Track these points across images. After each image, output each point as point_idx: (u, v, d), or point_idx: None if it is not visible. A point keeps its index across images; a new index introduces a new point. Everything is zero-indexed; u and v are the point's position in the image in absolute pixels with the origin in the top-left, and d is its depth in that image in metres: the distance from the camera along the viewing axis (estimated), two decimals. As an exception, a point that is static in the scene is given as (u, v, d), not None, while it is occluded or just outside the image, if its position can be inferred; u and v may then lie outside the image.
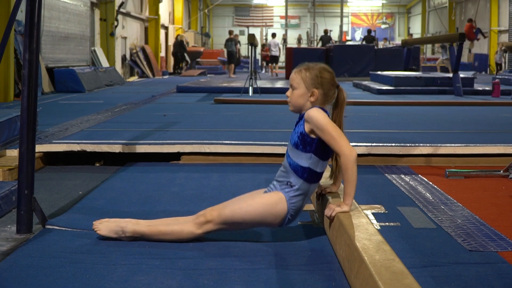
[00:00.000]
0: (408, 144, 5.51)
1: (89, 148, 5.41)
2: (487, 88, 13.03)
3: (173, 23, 30.03)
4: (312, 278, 2.58)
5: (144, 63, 22.49)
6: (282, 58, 28.46)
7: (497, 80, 12.72)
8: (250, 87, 12.50)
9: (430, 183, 4.55)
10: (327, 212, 2.94)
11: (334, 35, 31.64)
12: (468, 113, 8.79)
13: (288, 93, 3.11)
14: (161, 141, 5.60)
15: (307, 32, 33.90)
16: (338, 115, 3.07)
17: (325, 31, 25.65)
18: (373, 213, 3.66)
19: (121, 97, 11.81)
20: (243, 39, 36.03)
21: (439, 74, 15.36)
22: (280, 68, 26.41)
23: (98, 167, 5.45)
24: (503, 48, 22.39)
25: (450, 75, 13.30)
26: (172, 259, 2.80)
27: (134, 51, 22.01)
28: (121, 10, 19.82)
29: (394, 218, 3.57)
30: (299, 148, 3.01)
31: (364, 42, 23.80)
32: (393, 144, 5.51)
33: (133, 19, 22.67)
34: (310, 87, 3.03)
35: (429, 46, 34.03)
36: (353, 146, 2.94)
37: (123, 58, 21.30)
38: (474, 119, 7.97)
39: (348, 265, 2.51)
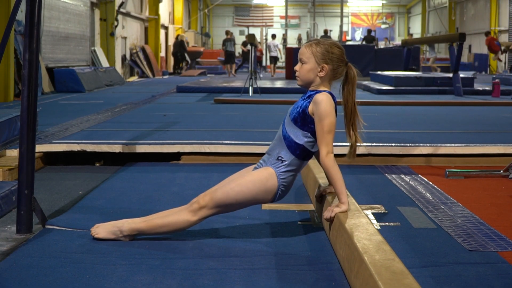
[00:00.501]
0: (408, 144, 5.51)
1: (89, 148, 5.41)
2: (487, 88, 13.03)
3: (173, 23, 30.03)
4: (312, 278, 2.58)
5: (144, 63, 22.49)
6: (282, 58, 28.48)
7: (497, 80, 12.72)
8: (250, 87, 12.50)
9: (430, 183, 4.55)
10: (326, 214, 2.93)
11: (334, 35, 31.64)
12: (468, 113, 8.79)
13: (297, 67, 3.10)
14: (161, 141, 5.60)
15: (307, 32, 33.93)
16: (350, 93, 3.06)
17: (325, 31, 25.65)
18: (373, 213, 3.66)
19: (121, 97, 11.81)
20: (243, 39, 36.06)
21: (439, 74, 15.35)
22: (279, 68, 26.45)
23: (98, 167, 5.45)
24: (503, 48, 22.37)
25: (450, 75, 13.30)
26: (172, 259, 2.80)
27: (134, 51, 22.02)
28: (121, 10, 19.82)
29: (394, 218, 3.57)
30: (297, 124, 3.01)
31: (364, 42, 23.80)
32: (393, 144, 5.51)
33: (133, 19, 22.67)
34: (320, 61, 3.02)
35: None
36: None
37: (123, 58, 21.31)
38: (474, 119, 7.97)
39: (348, 265, 2.51)
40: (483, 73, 25.90)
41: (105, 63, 18.01)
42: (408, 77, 13.97)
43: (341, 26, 29.65)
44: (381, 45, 28.18)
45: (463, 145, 5.49)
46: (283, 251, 2.94)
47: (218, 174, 4.89)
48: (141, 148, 5.42)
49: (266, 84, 14.99)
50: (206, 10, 39.56)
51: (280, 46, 27.85)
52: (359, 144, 3.10)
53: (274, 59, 23.43)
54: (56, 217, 3.52)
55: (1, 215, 3.63)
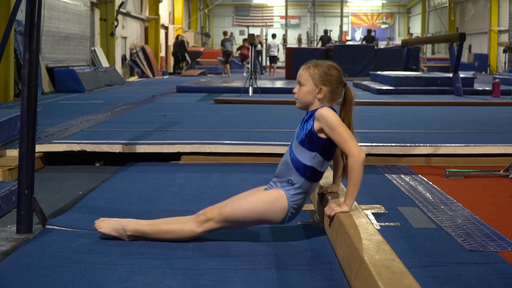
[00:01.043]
0: (408, 144, 5.51)
1: (89, 148, 5.41)
2: (487, 88, 13.03)
3: (173, 23, 30.03)
4: (312, 278, 2.58)
5: (144, 63, 22.49)
6: (282, 58, 28.48)
7: (497, 80, 12.72)
8: (250, 87, 12.50)
9: (430, 183, 4.55)
10: (327, 210, 2.94)
11: (334, 35, 31.64)
12: (468, 113, 8.79)
13: (296, 89, 3.10)
14: (161, 141, 5.60)
15: (307, 32, 33.91)
16: (347, 114, 3.07)
17: (325, 31, 25.66)
18: (373, 213, 3.66)
19: (121, 97, 11.81)
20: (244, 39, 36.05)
21: (439, 74, 15.36)
22: (279, 68, 26.48)
23: (98, 167, 5.45)
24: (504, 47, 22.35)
25: (450, 75, 13.30)
26: (172, 259, 2.80)
27: (134, 51, 22.01)
28: (121, 10, 19.82)
29: (394, 218, 3.57)
30: (305, 146, 3.00)
31: (364, 42, 23.80)
32: (393, 144, 5.51)
33: (133, 19, 22.67)
34: (318, 83, 3.03)
35: (429, 46, 34.03)
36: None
37: (123, 58, 21.30)
38: (474, 119, 7.97)
39: (348, 265, 2.51)
40: (483, 73, 25.90)
41: (105, 63, 18.01)
42: (408, 77, 13.97)
43: (341, 26, 29.66)
44: (382, 45, 28.17)
45: (463, 145, 5.49)
46: (283, 251, 2.94)
47: (218, 174, 4.89)
48: (141, 148, 5.42)
49: (266, 84, 14.99)
50: (206, 10, 39.56)
51: (280, 46, 27.87)
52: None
53: (273, 59, 23.49)
54: (56, 217, 3.52)
55: (1, 215, 3.64)
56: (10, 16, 3.33)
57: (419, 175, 4.84)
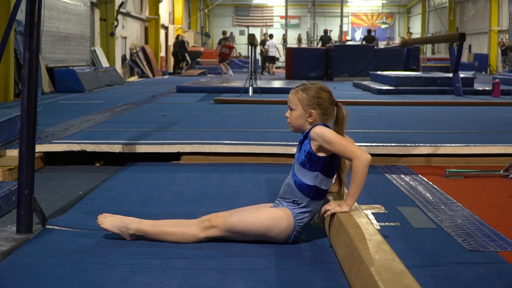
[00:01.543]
0: (408, 144, 5.51)
1: (89, 148, 5.41)
2: (487, 88, 13.04)
3: (173, 23, 30.04)
4: (312, 278, 2.58)
5: (144, 63, 22.49)
6: (282, 58, 28.48)
7: (497, 80, 12.72)
8: (250, 87, 12.50)
9: (430, 183, 4.55)
10: (327, 207, 2.94)
11: (334, 35, 31.64)
12: (468, 113, 8.79)
13: (287, 114, 3.13)
14: (161, 141, 5.60)
15: (307, 32, 33.91)
16: (339, 131, 3.07)
17: (325, 31, 25.66)
18: (373, 213, 3.66)
19: (121, 97, 11.81)
20: (243, 39, 36.07)
21: (439, 74, 15.36)
22: (277, 68, 26.59)
23: (98, 167, 5.45)
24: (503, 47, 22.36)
25: (450, 75, 13.31)
26: (172, 259, 2.80)
27: (134, 51, 22.01)
28: (121, 10, 19.82)
29: (394, 218, 3.57)
30: (306, 167, 3.01)
31: (364, 42, 23.81)
32: (393, 144, 5.51)
33: (133, 19, 22.67)
34: (307, 108, 3.04)
35: (429, 46, 34.03)
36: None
37: (123, 58, 21.31)
38: (474, 119, 7.97)
39: (348, 265, 2.51)
40: (483, 73, 25.90)
41: (105, 63, 18.01)
42: (408, 77, 13.97)
43: (341, 26, 29.65)
44: (382, 45, 28.17)
45: (463, 145, 5.49)
46: (283, 251, 2.94)
47: (218, 174, 4.89)
48: (141, 148, 5.42)
49: (266, 84, 15.00)
50: (206, 10, 39.56)
51: (280, 46, 27.91)
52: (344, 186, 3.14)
53: (271, 59, 23.54)
54: (56, 217, 3.52)
55: (1, 215, 3.64)
56: (10, 16, 3.33)
57: (419, 175, 4.84)
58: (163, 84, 17.33)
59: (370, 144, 5.46)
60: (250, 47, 13.99)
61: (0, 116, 5.39)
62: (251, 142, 5.57)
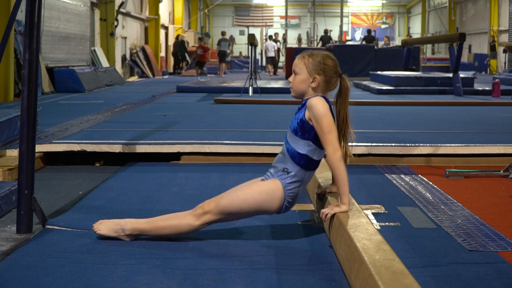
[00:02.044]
0: (408, 144, 5.51)
1: (89, 148, 5.41)
2: (487, 88, 13.03)
3: (173, 23, 30.03)
4: (312, 278, 2.58)
5: (144, 63, 22.49)
6: (282, 58, 28.49)
7: (497, 80, 12.72)
8: (250, 87, 12.50)
9: (430, 183, 4.55)
10: (326, 210, 2.94)
11: (334, 35, 31.65)
12: (468, 113, 8.79)
13: (291, 78, 3.13)
14: (161, 141, 5.60)
15: (307, 32, 33.91)
16: (343, 104, 3.07)
17: (325, 31, 25.70)
18: (373, 213, 3.66)
19: (121, 97, 11.81)
20: (243, 39, 36.07)
21: (439, 74, 15.36)
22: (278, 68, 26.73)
23: (98, 167, 5.45)
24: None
25: (450, 75, 13.31)
26: (172, 259, 2.80)
27: (134, 51, 22.01)
28: (121, 10, 19.82)
29: (394, 218, 3.57)
30: (297, 135, 3.02)
31: (364, 42, 23.81)
32: (393, 144, 5.51)
33: (133, 19, 22.67)
34: (312, 72, 3.04)
35: (429, 46, 34.03)
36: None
37: (123, 58, 21.30)
38: (474, 119, 7.97)
39: (348, 265, 2.51)
40: (483, 73, 25.90)
41: (105, 63, 18.01)
42: (408, 77, 13.97)
43: (341, 26, 29.66)
44: (381, 44, 28.17)
45: (463, 145, 5.49)
46: (283, 251, 2.94)
47: (218, 174, 4.89)
48: (141, 148, 5.42)
49: (266, 84, 14.99)
50: (206, 10, 39.55)
51: (280, 46, 27.94)
52: (349, 156, 3.12)
53: (271, 60, 23.65)
54: (56, 217, 3.52)
55: (1, 215, 3.64)
56: (10, 16, 3.33)
57: (419, 175, 4.84)
58: (163, 84, 17.33)
59: (370, 144, 5.46)
60: (250, 47, 13.99)
61: (0, 116, 5.39)
62: (251, 142, 5.57)
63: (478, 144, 5.51)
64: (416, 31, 38.84)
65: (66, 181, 4.77)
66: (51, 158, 5.50)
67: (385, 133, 6.39)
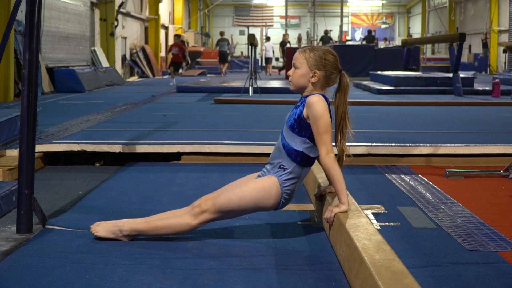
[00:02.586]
0: (408, 144, 5.51)
1: (89, 148, 5.41)
2: (487, 88, 13.03)
3: (173, 23, 30.03)
4: (312, 278, 2.58)
5: (144, 63, 22.49)
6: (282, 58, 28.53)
7: (497, 80, 12.72)
8: (250, 87, 12.50)
9: (430, 183, 4.55)
10: (326, 214, 2.94)
11: (334, 35, 31.66)
12: (468, 113, 8.79)
13: (290, 72, 3.12)
14: (161, 141, 5.59)
15: (307, 32, 33.92)
16: (342, 100, 3.07)
17: (325, 32, 25.75)
18: (373, 213, 3.66)
19: (121, 97, 11.81)
20: (243, 39, 36.07)
21: (439, 74, 15.36)
22: (277, 67, 26.86)
23: (98, 167, 5.45)
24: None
25: (450, 75, 13.31)
26: (172, 259, 2.80)
27: (134, 51, 22.01)
28: (121, 10, 19.82)
29: (394, 218, 3.57)
30: (294, 131, 3.02)
31: (364, 42, 23.82)
32: (393, 144, 5.51)
33: (133, 19, 22.67)
34: (312, 67, 3.04)
35: (429, 46, 34.03)
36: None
37: (123, 58, 21.30)
38: (474, 119, 7.97)
39: (348, 265, 2.51)
40: (483, 73, 25.91)
41: (105, 63, 18.01)
42: (408, 77, 13.97)
43: (341, 26, 29.67)
44: (382, 45, 28.18)
45: (463, 145, 5.49)
46: (283, 251, 2.94)
47: (218, 174, 4.89)
48: (141, 148, 5.42)
49: (266, 84, 14.99)
50: (206, 10, 39.55)
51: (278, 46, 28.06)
52: (346, 153, 3.12)
53: (269, 60, 24.27)
54: (56, 217, 3.52)
55: (1, 215, 3.64)
56: (10, 16, 3.33)
57: (419, 175, 4.84)
58: (163, 84, 17.33)
59: (370, 144, 5.46)
60: (250, 47, 13.98)
61: (0, 116, 5.39)
62: (251, 142, 5.57)
63: (478, 144, 5.51)
64: (416, 31, 38.84)
65: (66, 181, 4.77)
66: (51, 158, 5.50)
67: (385, 133, 6.39)
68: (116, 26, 19.11)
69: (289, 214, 3.61)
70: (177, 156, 5.47)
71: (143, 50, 22.80)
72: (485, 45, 25.78)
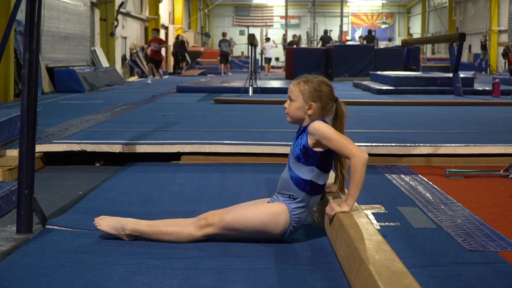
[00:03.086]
0: (408, 144, 5.51)
1: (89, 148, 5.41)
2: (487, 88, 13.03)
3: (173, 23, 30.03)
4: (312, 278, 2.58)
5: (144, 63, 22.48)
6: (282, 58, 28.55)
7: (497, 80, 12.72)
8: (250, 87, 12.50)
9: (430, 183, 4.55)
10: (328, 210, 2.95)
11: (334, 35, 31.65)
12: (468, 113, 8.79)
13: (286, 104, 3.12)
14: (161, 141, 5.59)
15: (307, 32, 33.93)
16: (339, 129, 3.07)
17: (325, 31, 25.76)
18: (373, 213, 3.66)
19: (121, 97, 11.81)
20: (243, 39, 36.07)
21: (439, 74, 15.36)
22: (277, 68, 26.97)
23: (98, 167, 5.45)
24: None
25: (450, 75, 13.31)
26: (172, 259, 2.80)
27: (134, 51, 22.01)
28: (121, 10, 19.82)
29: (394, 218, 3.57)
30: (301, 161, 3.01)
31: (364, 42, 23.83)
32: (393, 144, 5.51)
33: (133, 19, 22.67)
34: (308, 100, 3.03)
35: (429, 46, 34.03)
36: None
37: (123, 58, 21.30)
38: (474, 119, 7.97)
39: (348, 265, 2.51)
40: (483, 73, 25.91)
41: (105, 63, 18.00)
42: (408, 77, 13.97)
43: (341, 26, 29.66)
44: (382, 45, 28.19)
45: (463, 145, 5.49)
46: (283, 251, 2.94)
47: (218, 174, 4.89)
48: (141, 148, 5.42)
49: (266, 84, 14.98)
50: (206, 10, 39.55)
51: (280, 46, 28.10)
52: (346, 180, 3.13)
53: (268, 60, 24.41)
54: (56, 217, 3.52)
55: (1, 215, 3.64)
56: (10, 16, 3.33)
57: (419, 175, 4.84)
58: (163, 84, 17.33)
59: (370, 144, 5.46)
60: (250, 47, 13.98)
61: (0, 116, 5.39)
62: (251, 142, 5.57)
63: (478, 144, 5.51)
64: (416, 31, 38.84)
65: (66, 181, 4.77)
66: (51, 158, 5.50)
67: (385, 133, 6.39)
68: (116, 26, 19.11)
69: (289, 214, 3.61)
70: (177, 156, 5.47)
71: (143, 50, 22.79)
72: (483, 47, 25.76)
